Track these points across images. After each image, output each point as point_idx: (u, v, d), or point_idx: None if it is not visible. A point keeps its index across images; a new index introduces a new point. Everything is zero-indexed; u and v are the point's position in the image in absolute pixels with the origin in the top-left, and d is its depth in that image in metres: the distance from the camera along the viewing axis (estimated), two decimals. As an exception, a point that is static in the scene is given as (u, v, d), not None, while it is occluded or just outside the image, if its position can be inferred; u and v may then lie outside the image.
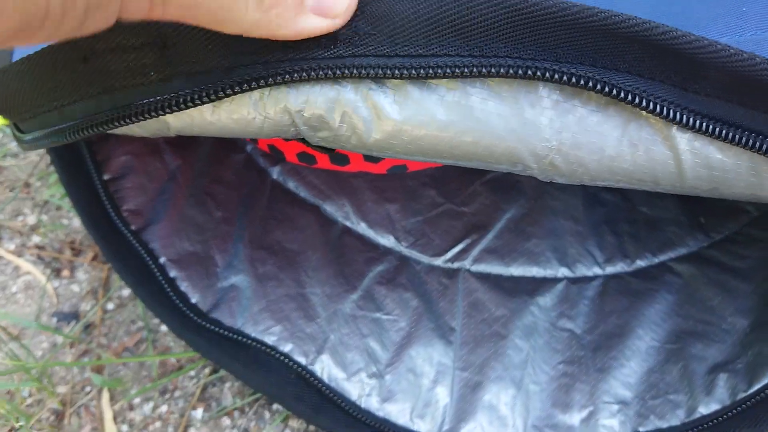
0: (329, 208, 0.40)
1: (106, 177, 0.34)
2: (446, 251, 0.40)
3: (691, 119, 0.19)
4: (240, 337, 0.34)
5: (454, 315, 0.37)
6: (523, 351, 0.36)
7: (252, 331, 0.34)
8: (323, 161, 0.29)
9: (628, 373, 0.34)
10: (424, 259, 0.39)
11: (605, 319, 0.37)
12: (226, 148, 0.40)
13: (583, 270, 0.39)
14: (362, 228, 0.40)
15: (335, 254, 0.39)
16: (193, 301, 0.34)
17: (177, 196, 0.36)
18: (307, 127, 0.20)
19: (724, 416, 0.31)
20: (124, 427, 0.36)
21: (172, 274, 0.34)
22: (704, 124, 0.19)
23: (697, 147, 0.20)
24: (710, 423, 0.32)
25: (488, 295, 0.38)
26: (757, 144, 0.19)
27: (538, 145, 0.20)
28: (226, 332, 0.33)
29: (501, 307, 0.37)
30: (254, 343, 0.34)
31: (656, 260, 0.39)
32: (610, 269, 0.39)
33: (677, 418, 0.33)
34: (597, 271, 0.39)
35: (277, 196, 0.40)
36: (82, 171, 0.34)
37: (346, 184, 0.41)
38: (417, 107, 0.19)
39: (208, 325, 0.33)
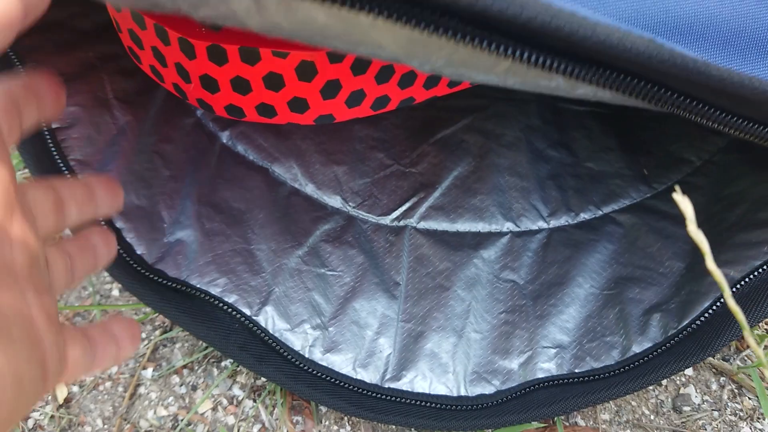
0: (277, 170, 0.41)
1: (54, 125, 0.34)
2: (393, 210, 0.40)
3: None
4: (185, 288, 0.34)
5: (399, 270, 0.38)
6: (465, 301, 0.36)
7: (197, 282, 0.34)
8: (251, 113, 0.29)
9: (566, 318, 0.35)
10: (372, 218, 0.40)
11: (547, 270, 0.37)
12: (175, 110, 0.40)
13: (528, 224, 0.40)
14: (310, 189, 0.41)
15: (282, 213, 0.39)
16: (139, 252, 0.34)
17: (125, 151, 0.36)
18: (188, 4, 0.20)
19: (655, 352, 0.32)
20: (75, 388, 0.36)
21: (118, 224, 0.34)
22: None
23: None
24: (642, 360, 0.32)
25: (433, 250, 0.39)
26: None
27: None
28: (170, 283, 0.34)
29: (445, 260, 0.38)
30: (199, 294, 0.34)
31: (600, 212, 0.40)
32: (554, 222, 0.40)
33: (612, 359, 0.33)
34: (541, 224, 0.40)
35: (226, 158, 0.41)
36: (44, 146, 0.34)
37: (294, 146, 0.42)
38: (299, 8, 0.20)
39: (152, 275, 0.34)
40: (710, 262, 0.18)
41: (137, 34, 0.29)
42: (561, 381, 0.33)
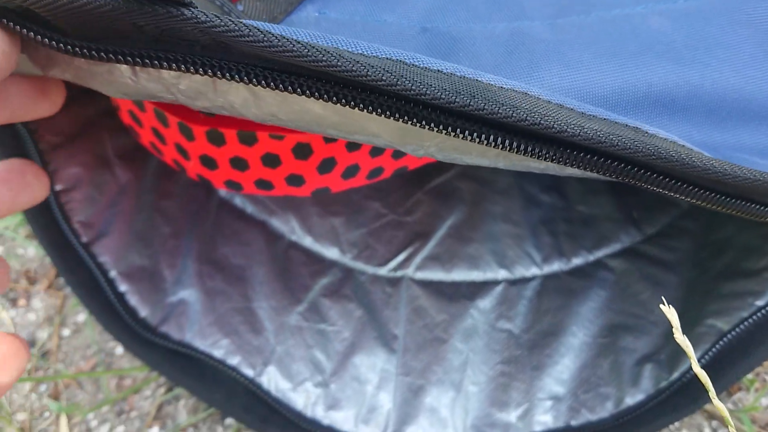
0: (275, 222, 0.42)
1: (57, 188, 0.35)
2: (390, 260, 0.41)
3: None
4: (189, 351, 0.35)
5: (397, 323, 0.39)
6: (462, 354, 0.37)
7: (200, 344, 0.35)
8: (249, 187, 0.30)
9: (561, 369, 0.36)
10: (369, 269, 0.41)
11: (541, 318, 0.38)
12: (173, 167, 0.41)
13: (522, 271, 0.41)
14: (308, 242, 0.41)
15: (281, 268, 0.40)
16: (142, 315, 0.35)
17: (127, 210, 0.37)
18: (185, 96, 0.21)
19: (648, 405, 0.33)
20: (82, 449, 0.37)
21: (122, 288, 0.35)
22: None
23: None
24: (636, 413, 0.33)
25: (430, 301, 0.39)
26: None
27: None
28: (175, 346, 0.35)
29: (442, 312, 0.39)
30: (203, 357, 0.35)
31: (592, 257, 0.40)
32: (547, 269, 0.40)
33: (606, 411, 0.34)
34: (535, 271, 0.40)
35: (224, 212, 0.42)
36: None
37: (292, 199, 0.43)
38: (295, 101, 0.21)
39: (157, 339, 0.34)
40: (695, 365, 0.19)
41: (137, 114, 0.30)
42: (559, 435, 0.34)
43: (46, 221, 0.35)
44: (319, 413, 0.35)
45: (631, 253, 0.40)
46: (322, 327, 0.38)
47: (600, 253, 0.41)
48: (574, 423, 0.34)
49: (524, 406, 0.35)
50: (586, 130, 0.18)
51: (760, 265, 0.32)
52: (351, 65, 0.16)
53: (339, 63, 0.16)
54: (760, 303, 0.32)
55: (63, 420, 0.37)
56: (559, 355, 0.37)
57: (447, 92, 0.17)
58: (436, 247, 0.42)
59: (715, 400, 0.20)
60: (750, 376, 0.37)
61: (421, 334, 0.38)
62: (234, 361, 0.35)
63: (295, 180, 0.30)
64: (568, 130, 0.18)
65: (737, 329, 0.32)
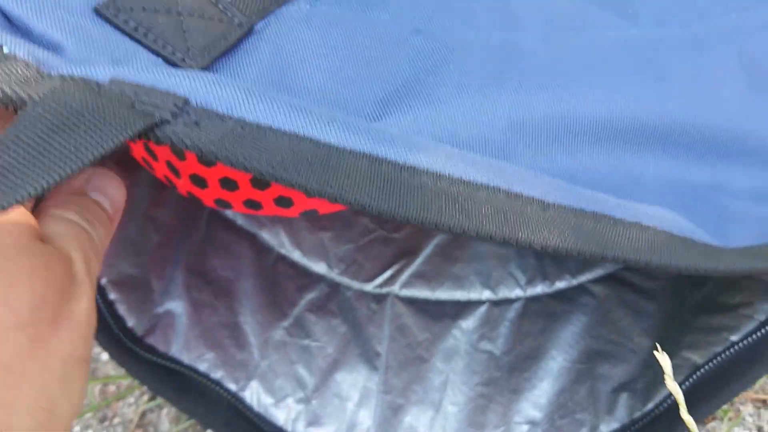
0: (265, 235, 0.42)
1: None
2: (376, 276, 0.42)
3: None
4: (173, 365, 0.35)
5: (380, 340, 0.39)
6: (443, 374, 0.38)
7: (185, 358, 0.36)
8: (238, 207, 0.31)
9: (539, 394, 0.37)
10: (355, 284, 0.41)
11: (522, 341, 0.39)
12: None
13: (506, 292, 0.41)
14: (296, 255, 0.42)
15: (268, 282, 0.40)
16: (129, 325, 0.35)
17: (121, 218, 0.38)
18: None
19: None
20: (65, 455, 0.37)
21: (112, 296, 0.35)
22: None
23: None
24: None
25: (413, 319, 0.40)
26: None
27: None
28: (160, 359, 0.35)
29: (425, 331, 0.40)
30: (187, 370, 0.35)
31: (575, 281, 0.41)
32: (531, 291, 0.41)
33: None
34: (519, 293, 0.41)
35: (214, 223, 0.42)
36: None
37: (281, 213, 0.43)
38: None
39: (142, 352, 0.35)
40: (684, 413, 0.19)
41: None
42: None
43: None
44: (300, 429, 0.36)
45: (613, 279, 0.41)
46: (306, 343, 0.38)
47: (583, 278, 0.41)
48: (548, 450, 0.35)
49: (501, 428, 0.36)
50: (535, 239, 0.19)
51: (736, 300, 0.33)
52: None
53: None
54: (734, 338, 0.33)
55: (46, 425, 0.38)
56: (537, 378, 0.37)
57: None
58: (422, 265, 0.42)
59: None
60: (724, 405, 0.38)
61: (404, 353, 0.39)
62: (218, 375, 0.36)
63: (283, 202, 0.30)
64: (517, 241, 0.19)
65: (711, 363, 0.33)
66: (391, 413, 0.37)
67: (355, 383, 0.37)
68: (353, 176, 0.18)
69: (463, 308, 0.41)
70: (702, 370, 0.33)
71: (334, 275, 0.42)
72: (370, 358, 0.38)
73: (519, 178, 0.20)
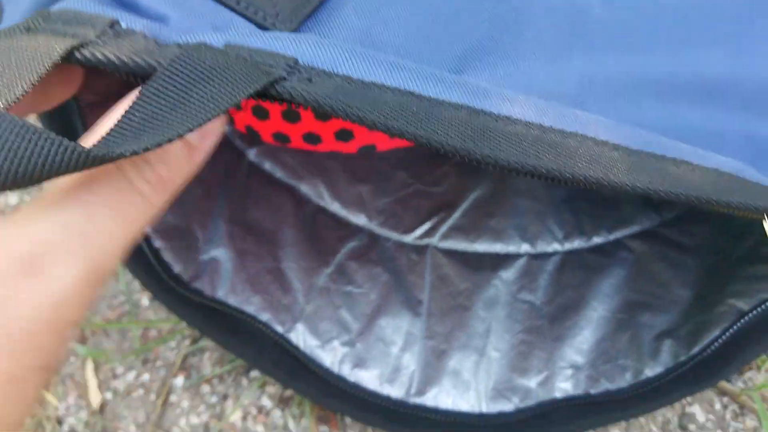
0: (304, 188, 0.42)
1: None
2: (415, 229, 0.42)
3: None
4: (221, 307, 0.36)
5: (422, 288, 0.40)
6: (485, 321, 0.38)
7: (233, 301, 0.36)
8: (297, 140, 0.31)
9: (581, 341, 0.37)
10: (395, 236, 0.42)
11: (562, 292, 0.39)
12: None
13: (544, 246, 0.41)
14: (335, 207, 0.42)
15: (309, 232, 0.41)
16: (176, 271, 0.35)
17: None
18: None
19: (667, 377, 0.34)
20: (108, 395, 0.37)
21: (157, 244, 0.36)
22: None
23: None
24: (654, 384, 0.34)
25: (454, 270, 0.40)
26: None
27: None
28: (208, 302, 0.35)
29: (465, 280, 0.40)
30: (235, 312, 0.36)
31: (611, 237, 0.41)
32: (568, 245, 0.41)
33: (625, 381, 0.35)
34: (556, 247, 0.41)
35: (254, 176, 0.42)
36: (73, 138, 0.35)
37: (321, 165, 0.43)
38: None
39: (190, 294, 0.35)
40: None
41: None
42: (577, 402, 0.35)
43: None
44: (346, 371, 0.36)
45: (650, 235, 0.41)
46: (349, 289, 0.39)
47: (619, 234, 0.42)
48: (593, 391, 0.35)
49: (545, 373, 0.36)
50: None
51: None
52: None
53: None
54: None
55: (89, 365, 0.38)
56: (578, 327, 0.38)
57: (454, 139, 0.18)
58: (460, 219, 0.42)
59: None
60: (762, 356, 0.39)
61: (445, 301, 0.39)
62: (264, 317, 0.36)
63: (344, 135, 0.30)
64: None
65: (758, 309, 0.34)
66: (434, 358, 0.37)
67: (398, 328, 0.38)
68: (455, 126, 0.18)
69: (502, 260, 0.41)
70: (748, 317, 0.33)
71: (374, 226, 0.42)
72: (412, 306, 0.39)
73: (603, 127, 0.20)
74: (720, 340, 0.34)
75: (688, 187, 0.20)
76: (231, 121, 0.32)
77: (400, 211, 0.43)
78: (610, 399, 0.35)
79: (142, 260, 0.35)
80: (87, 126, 0.36)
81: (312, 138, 0.30)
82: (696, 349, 0.34)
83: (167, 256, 0.36)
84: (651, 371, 0.35)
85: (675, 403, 0.35)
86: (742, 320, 0.33)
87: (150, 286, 0.35)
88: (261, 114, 0.30)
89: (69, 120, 0.35)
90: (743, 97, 0.25)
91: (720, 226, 0.39)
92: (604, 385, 0.35)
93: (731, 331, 0.34)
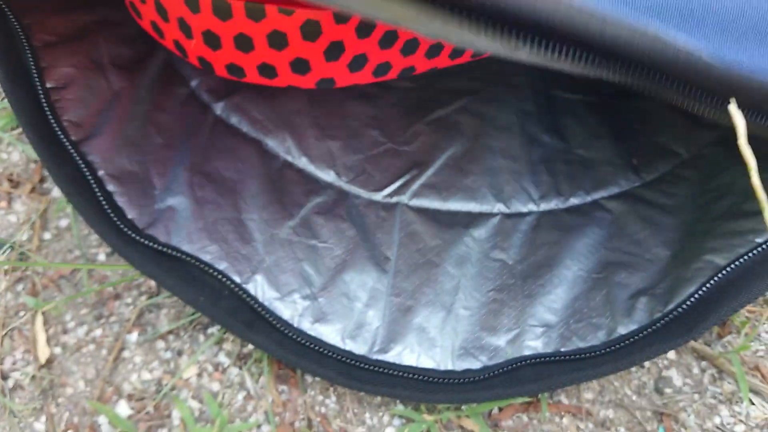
0: (271, 142, 0.41)
1: (48, 85, 0.34)
2: (386, 186, 0.40)
3: None
4: (175, 253, 0.34)
5: (390, 245, 0.38)
6: (455, 278, 0.37)
7: (188, 248, 0.34)
8: (252, 74, 0.29)
9: (554, 299, 0.36)
10: (364, 193, 0.40)
11: (536, 251, 0.38)
12: (170, 80, 0.40)
13: (519, 206, 0.40)
14: (303, 162, 0.40)
15: (275, 185, 0.39)
16: (130, 216, 0.34)
17: (119, 116, 0.36)
18: None
19: (641, 334, 0.33)
20: (57, 350, 0.36)
21: (110, 188, 0.34)
22: None
23: None
24: (627, 341, 0.33)
25: (424, 227, 0.39)
26: None
27: None
28: (161, 247, 0.34)
29: (436, 238, 0.38)
30: (190, 259, 0.34)
31: (589, 198, 0.40)
32: (544, 206, 0.40)
33: (598, 339, 0.34)
34: (532, 207, 0.40)
35: (219, 129, 0.40)
36: (24, 76, 0.33)
37: (289, 120, 0.42)
38: None
39: (143, 240, 0.33)
40: (742, 140, 0.18)
41: (140, -11, 0.28)
42: (547, 359, 0.34)
43: (35, 116, 0.34)
44: (306, 325, 0.34)
45: (629, 196, 0.40)
46: (314, 243, 0.37)
47: (597, 195, 0.40)
48: (564, 349, 0.34)
49: (515, 331, 0.35)
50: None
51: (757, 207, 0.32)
52: None
53: None
54: (759, 240, 0.32)
55: (39, 319, 0.36)
56: (552, 285, 0.36)
57: None
58: (433, 177, 0.41)
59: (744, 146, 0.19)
60: (741, 318, 0.37)
61: (414, 258, 0.38)
62: (221, 266, 0.35)
63: (300, 66, 0.29)
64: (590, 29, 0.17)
65: (734, 264, 0.32)
66: (400, 314, 0.35)
67: (363, 284, 0.36)
68: None
69: (475, 218, 0.39)
70: (725, 271, 0.32)
71: (342, 183, 0.40)
72: (379, 262, 0.37)
73: None
74: (696, 296, 0.32)
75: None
76: (184, 53, 0.31)
77: (370, 168, 0.41)
78: (581, 356, 0.33)
79: (94, 203, 0.34)
80: (40, 66, 0.35)
81: (267, 69, 0.29)
82: (671, 306, 0.33)
83: (121, 201, 0.34)
84: (624, 329, 0.33)
85: (648, 360, 0.33)
86: (718, 275, 0.32)
87: (101, 230, 0.33)
88: (213, 43, 0.28)
89: (20, 60, 0.34)
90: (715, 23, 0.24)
91: (700, 187, 0.38)
92: (576, 344, 0.34)
93: (707, 286, 0.32)
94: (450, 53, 0.31)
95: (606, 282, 0.36)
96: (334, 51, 0.28)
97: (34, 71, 0.34)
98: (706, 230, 0.35)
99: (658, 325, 0.33)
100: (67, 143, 0.34)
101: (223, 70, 0.30)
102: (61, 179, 0.34)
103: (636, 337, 0.33)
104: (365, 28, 0.27)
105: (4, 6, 0.32)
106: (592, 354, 0.33)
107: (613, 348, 0.33)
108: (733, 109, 0.17)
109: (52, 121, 0.34)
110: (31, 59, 0.34)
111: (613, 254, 0.37)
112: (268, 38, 0.27)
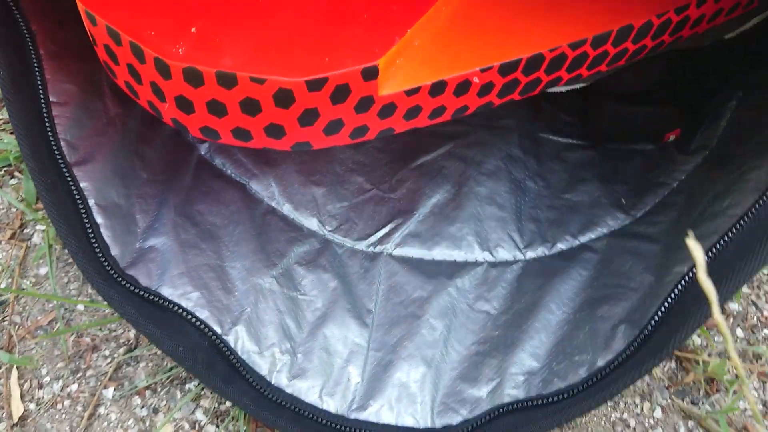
0: (255, 187, 0.40)
1: (51, 98, 0.33)
2: (370, 236, 0.40)
3: None
4: (156, 298, 0.33)
5: (371, 297, 0.37)
6: (437, 330, 0.36)
7: (169, 293, 0.33)
8: (226, 136, 0.29)
9: (537, 345, 0.35)
10: (348, 243, 0.40)
11: (520, 299, 0.37)
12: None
13: (504, 254, 0.39)
14: (287, 209, 0.40)
15: (258, 231, 0.38)
16: (113, 253, 0.33)
17: (111, 144, 0.35)
18: None
19: (617, 362, 0.32)
20: (32, 405, 0.35)
21: (99, 219, 0.33)
22: None
23: None
24: (605, 373, 0.32)
25: (407, 278, 0.38)
26: None
27: None
28: (142, 291, 0.33)
29: (419, 289, 0.38)
30: (170, 306, 0.33)
31: (577, 242, 0.39)
32: (530, 254, 0.39)
33: (579, 377, 0.32)
34: (518, 255, 0.39)
35: (203, 170, 0.40)
36: (28, 84, 0.32)
37: (274, 164, 0.41)
38: None
39: (123, 281, 0.32)
40: (716, 312, 0.17)
41: (112, 49, 0.28)
42: (528, 404, 0.33)
43: (33, 129, 0.33)
44: (283, 381, 0.33)
45: (616, 233, 0.39)
46: (295, 295, 0.36)
47: (585, 238, 0.40)
48: (545, 392, 0.33)
49: (496, 380, 0.34)
50: None
51: (725, 204, 0.31)
52: None
53: None
54: (724, 239, 0.31)
55: (14, 373, 0.36)
56: (534, 331, 0.35)
57: None
58: (418, 225, 0.40)
59: (716, 314, 0.18)
60: (729, 377, 0.36)
61: (396, 310, 0.37)
62: (203, 315, 0.34)
63: (274, 131, 0.28)
64: None
65: (708, 254, 0.31)
66: (380, 369, 0.35)
67: (344, 339, 0.35)
68: None
69: (459, 268, 0.39)
70: (688, 276, 0.31)
71: (326, 232, 0.40)
72: (360, 315, 0.36)
73: None
74: (662, 309, 0.31)
75: None
76: (158, 114, 0.30)
77: (354, 217, 0.41)
78: (563, 397, 0.32)
79: (80, 234, 0.33)
80: (44, 75, 0.34)
81: (242, 133, 0.28)
82: (643, 325, 0.31)
83: (106, 235, 0.33)
84: (603, 360, 0.32)
85: (626, 388, 0.31)
86: (682, 281, 0.31)
87: (83, 265, 0.32)
88: (186, 107, 0.28)
89: (26, 67, 0.33)
90: None
91: (685, 207, 0.37)
92: (557, 385, 0.33)
93: (672, 295, 0.31)
94: (429, 114, 0.30)
95: (589, 319, 0.35)
96: (309, 117, 0.27)
97: (38, 80, 0.33)
98: (680, 245, 0.34)
99: (631, 348, 0.31)
100: (62, 164, 0.33)
101: (198, 132, 0.29)
102: (52, 203, 0.32)
103: (613, 366, 0.32)
104: (339, 95, 0.27)
105: (14, 9, 0.32)
106: (573, 393, 0.32)
107: (591, 382, 0.32)
108: (691, 242, 0.17)
109: (51, 137, 0.33)
110: (36, 66, 0.33)
111: (598, 291, 0.36)
112: (241, 105, 0.27)
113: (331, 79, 0.26)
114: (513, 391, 0.33)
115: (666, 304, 0.31)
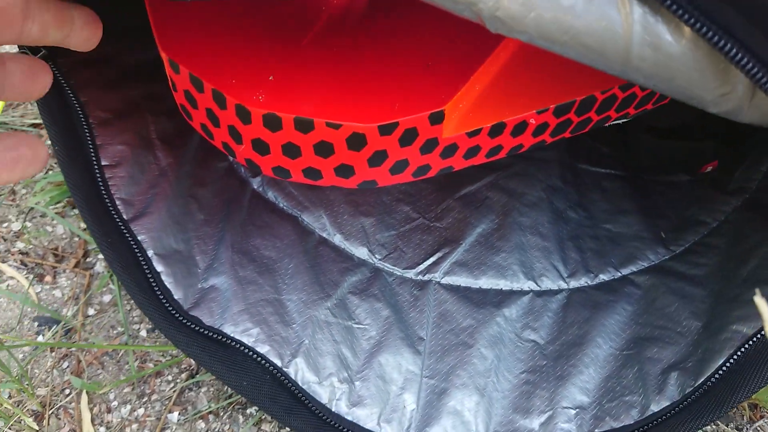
0: (307, 218, 0.42)
1: (103, 163, 0.35)
2: (418, 264, 0.41)
3: None
4: (219, 336, 0.35)
5: (423, 325, 0.39)
6: (487, 360, 0.37)
7: (231, 331, 0.35)
8: (297, 175, 0.31)
9: (586, 379, 0.36)
10: (397, 271, 0.41)
11: (567, 330, 0.38)
12: (210, 154, 0.41)
13: (549, 284, 0.41)
14: (338, 239, 0.42)
15: (311, 263, 0.40)
16: (176, 297, 0.35)
17: (165, 193, 0.37)
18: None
19: (673, 411, 0.33)
20: (102, 429, 0.37)
21: (159, 268, 0.35)
22: None
23: (650, 22, 0.20)
24: (661, 419, 0.33)
25: (456, 306, 0.40)
26: (716, 38, 0.19)
27: None
28: (206, 331, 0.35)
29: (468, 317, 0.39)
30: (233, 343, 0.35)
31: (619, 274, 0.41)
32: (573, 283, 0.41)
33: (631, 418, 0.34)
34: (561, 284, 0.41)
35: (257, 204, 0.42)
36: (81, 154, 0.35)
37: (324, 196, 0.43)
38: None
39: (188, 322, 0.34)
40: None
41: (193, 95, 0.30)
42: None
43: (91, 194, 0.35)
44: (343, 409, 0.35)
45: (657, 269, 0.40)
46: (350, 324, 0.38)
47: (626, 270, 0.41)
48: (597, 431, 0.34)
49: (548, 413, 0.35)
50: None
51: None
52: None
53: None
54: None
55: (84, 398, 0.37)
56: (583, 365, 0.37)
57: None
58: (464, 254, 0.42)
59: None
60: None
61: (447, 338, 0.38)
62: (263, 349, 0.36)
63: (344, 171, 0.30)
64: None
65: (761, 333, 0.32)
66: (434, 397, 0.36)
67: (398, 366, 0.37)
68: None
69: (506, 297, 0.40)
70: (753, 341, 0.32)
71: (376, 261, 0.41)
72: (413, 343, 0.38)
73: None
74: (724, 368, 0.33)
75: None
76: (232, 154, 0.32)
77: (402, 245, 0.42)
78: None
79: (143, 284, 0.35)
80: (95, 142, 0.36)
81: (313, 173, 0.30)
82: (702, 379, 0.33)
83: (168, 282, 0.36)
84: (657, 406, 0.34)
85: None
86: (746, 345, 0.32)
87: (149, 311, 0.35)
88: (262, 149, 0.30)
89: (78, 137, 0.35)
90: None
91: (727, 254, 0.38)
92: (610, 424, 0.34)
93: (735, 357, 0.32)
94: (487, 153, 0.32)
95: (637, 358, 0.36)
96: (378, 158, 0.29)
97: (91, 149, 0.35)
98: (733, 297, 0.35)
99: (689, 400, 0.33)
100: (119, 222, 0.36)
101: (270, 171, 0.31)
102: (113, 260, 0.35)
103: (668, 414, 0.33)
104: (408, 138, 0.29)
105: (63, 82, 0.34)
106: (626, 436, 0.33)
107: (646, 427, 0.33)
108: (759, 299, 0.18)
109: (107, 199, 0.35)
110: (88, 136, 0.35)
111: (644, 329, 0.37)
112: (315, 147, 0.29)
113: (401, 124, 0.28)
114: (566, 425, 0.34)
115: (728, 364, 0.32)
